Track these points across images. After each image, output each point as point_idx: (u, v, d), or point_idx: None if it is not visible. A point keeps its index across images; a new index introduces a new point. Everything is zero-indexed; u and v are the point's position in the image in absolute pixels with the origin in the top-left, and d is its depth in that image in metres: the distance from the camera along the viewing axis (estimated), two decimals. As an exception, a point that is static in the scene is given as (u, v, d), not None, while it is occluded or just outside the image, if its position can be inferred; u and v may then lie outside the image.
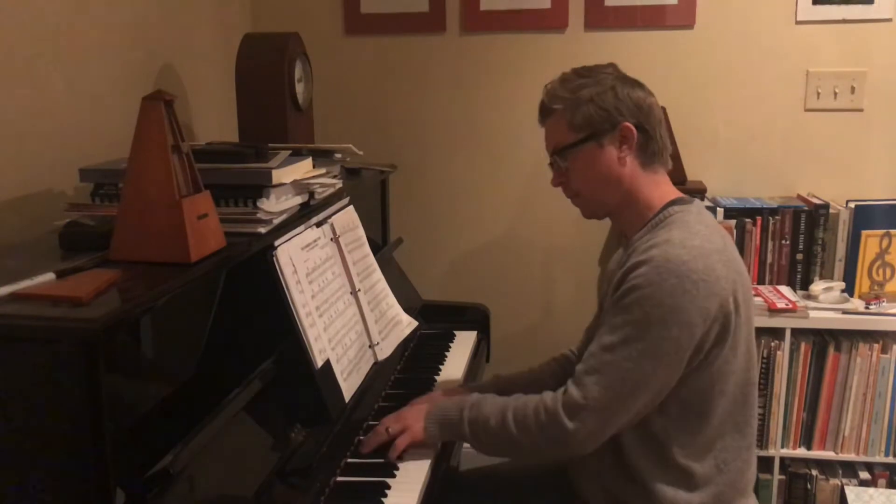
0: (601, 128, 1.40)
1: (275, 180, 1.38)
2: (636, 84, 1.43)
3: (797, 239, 2.31)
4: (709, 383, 1.35)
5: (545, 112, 1.46)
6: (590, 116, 1.39)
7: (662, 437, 1.37)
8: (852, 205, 2.29)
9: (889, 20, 2.36)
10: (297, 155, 1.58)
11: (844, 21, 2.37)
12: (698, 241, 1.32)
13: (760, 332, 2.14)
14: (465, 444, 1.65)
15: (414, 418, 1.50)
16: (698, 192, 2.27)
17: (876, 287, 2.30)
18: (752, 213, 2.31)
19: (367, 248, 1.83)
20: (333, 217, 1.71)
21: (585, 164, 1.42)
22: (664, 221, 1.39)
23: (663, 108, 1.49)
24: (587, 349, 1.38)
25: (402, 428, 1.49)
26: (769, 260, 2.33)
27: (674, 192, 1.44)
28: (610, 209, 1.47)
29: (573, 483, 1.52)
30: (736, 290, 1.34)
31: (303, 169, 1.54)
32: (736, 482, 1.42)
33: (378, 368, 1.70)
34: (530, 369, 1.73)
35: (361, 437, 1.54)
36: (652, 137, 1.41)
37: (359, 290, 1.71)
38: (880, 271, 2.30)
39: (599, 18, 2.45)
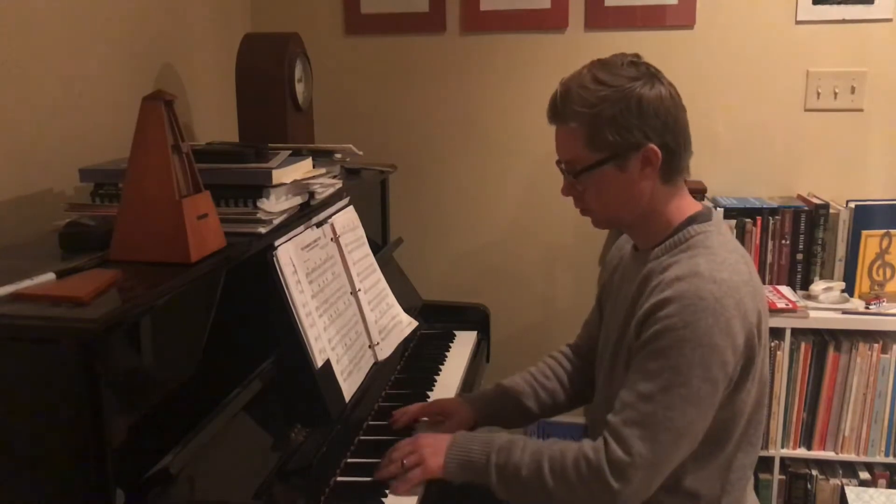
0: (623, 150, 1.29)
1: (275, 180, 1.38)
2: (659, 82, 1.30)
3: (797, 239, 2.31)
4: (730, 416, 1.31)
5: (558, 117, 1.33)
6: (612, 139, 1.28)
7: (678, 468, 1.32)
8: (852, 205, 2.29)
9: (889, 20, 2.36)
10: (297, 155, 1.58)
11: (844, 21, 2.37)
12: (727, 273, 1.25)
13: (760, 332, 2.14)
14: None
15: (432, 452, 1.37)
16: (698, 192, 2.27)
17: (876, 287, 2.30)
18: (752, 213, 2.31)
19: (367, 248, 1.83)
20: (333, 217, 1.71)
21: (603, 186, 1.32)
22: (686, 243, 1.32)
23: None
24: (619, 397, 1.29)
25: (418, 460, 1.36)
26: (769, 260, 2.32)
27: (692, 206, 1.37)
28: (624, 224, 1.41)
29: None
30: (759, 320, 1.29)
31: (303, 169, 1.54)
32: (739, 498, 1.40)
33: (378, 368, 1.70)
34: (529, 373, 1.66)
35: (362, 437, 1.54)
36: (676, 154, 1.32)
37: (359, 290, 1.71)
38: (880, 271, 2.30)
39: (599, 18, 2.45)
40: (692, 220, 1.35)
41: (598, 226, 1.42)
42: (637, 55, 1.34)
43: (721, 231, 1.36)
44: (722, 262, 1.27)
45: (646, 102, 1.28)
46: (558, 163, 1.37)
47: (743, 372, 1.28)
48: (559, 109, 1.32)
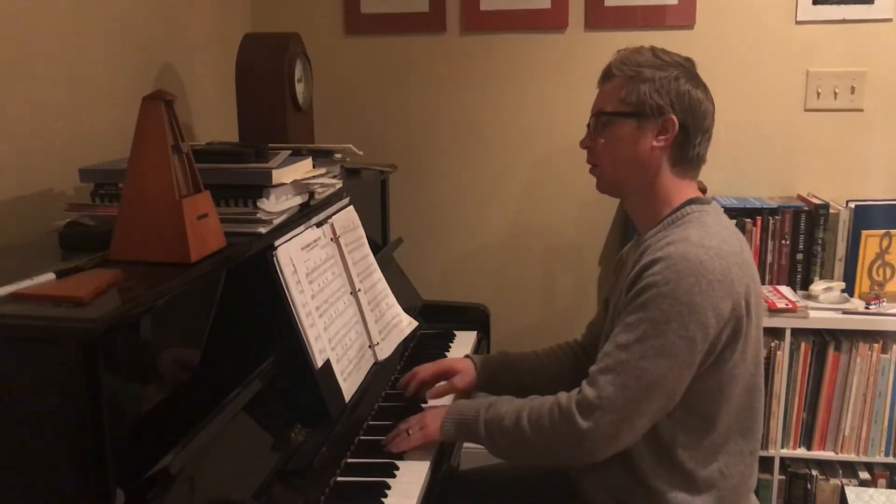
0: (648, 111, 1.39)
1: (275, 180, 1.38)
2: (701, 86, 1.42)
3: (797, 239, 2.31)
4: (717, 388, 1.35)
5: (606, 75, 1.46)
6: (643, 96, 1.39)
7: (667, 439, 1.36)
8: (852, 205, 2.29)
9: (889, 20, 2.36)
10: (297, 155, 1.58)
11: (844, 21, 2.37)
12: (716, 241, 1.31)
13: (760, 332, 2.14)
14: (465, 445, 1.66)
15: (432, 418, 1.50)
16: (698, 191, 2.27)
17: (876, 287, 2.30)
18: (752, 213, 2.31)
19: (367, 248, 1.83)
20: (333, 217, 1.71)
21: (617, 139, 1.42)
22: (681, 220, 1.38)
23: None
24: (602, 348, 1.37)
25: (420, 427, 1.49)
26: (769, 260, 2.33)
27: (693, 193, 1.43)
28: (624, 192, 1.47)
29: (575, 482, 1.52)
30: (749, 294, 1.33)
31: (303, 169, 1.54)
32: (738, 487, 1.41)
33: (378, 368, 1.70)
34: (535, 352, 1.73)
35: (362, 437, 1.54)
36: (690, 142, 1.40)
37: (359, 290, 1.71)
38: (880, 271, 2.30)
39: (599, 18, 2.45)
40: (690, 202, 1.41)
41: (601, 187, 1.49)
42: (691, 59, 1.45)
43: (718, 213, 1.42)
44: (713, 234, 1.33)
45: (683, 87, 1.40)
46: (588, 124, 1.47)
47: (729, 342, 1.32)
48: (611, 68, 1.45)
